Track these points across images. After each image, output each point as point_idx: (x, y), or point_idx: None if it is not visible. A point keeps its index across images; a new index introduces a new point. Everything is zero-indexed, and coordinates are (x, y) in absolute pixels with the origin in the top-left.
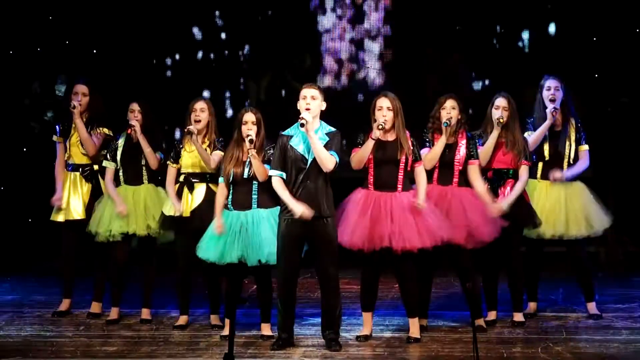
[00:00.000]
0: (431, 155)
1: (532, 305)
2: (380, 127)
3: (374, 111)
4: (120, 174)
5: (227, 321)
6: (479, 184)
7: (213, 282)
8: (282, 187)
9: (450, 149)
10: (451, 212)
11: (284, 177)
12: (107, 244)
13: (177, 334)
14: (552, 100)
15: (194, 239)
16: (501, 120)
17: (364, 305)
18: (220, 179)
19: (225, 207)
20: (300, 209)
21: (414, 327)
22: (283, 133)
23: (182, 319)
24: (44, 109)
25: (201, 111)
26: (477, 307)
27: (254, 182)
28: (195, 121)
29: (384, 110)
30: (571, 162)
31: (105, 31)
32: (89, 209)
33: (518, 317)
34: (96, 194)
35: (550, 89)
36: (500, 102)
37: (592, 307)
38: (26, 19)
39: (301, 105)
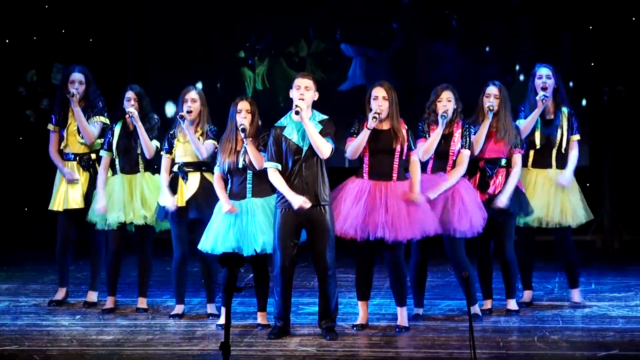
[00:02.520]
0: (427, 147)
1: (527, 294)
2: (374, 117)
3: (370, 100)
4: (116, 162)
5: (223, 310)
6: (454, 173)
7: (208, 271)
8: (278, 179)
9: (445, 139)
10: (449, 202)
11: (280, 168)
12: (103, 232)
13: (173, 323)
14: (544, 89)
15: (189, 228)
16: (491, 108)
17: (359, 294)
18: (217, 169)
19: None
20: (298, 202)
21: (403, 316)
22: (276, 124)
23: (178, 308)
24: (40, 98)
25: (193, 101)
26: (473, 296)
27: (249, 171)
28: (188, 112)
29: (380, 99)
30: (562, 150)
31: (101, 20)
32: (87, 197)
33: (511, 304)
34: (94, 182)
35: (542, 77)
36: (491, 90)
37: (576, 294)
38: (22, 8)
39: (294, 94)
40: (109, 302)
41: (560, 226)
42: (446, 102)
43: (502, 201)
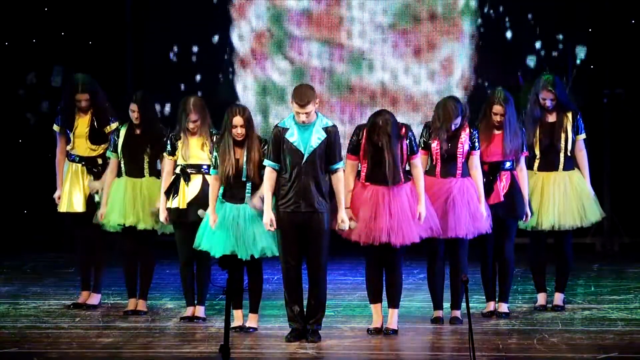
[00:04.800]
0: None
1: (542, 297)
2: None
3: (370, 133)
4: (122, 165)
5: (235, 312)
6: (477, 173)
7: (202, 272)
8: (269, 183)
9: (452, 141)
10: (455, 204)
11: (277, 168)
12: (106, 236)
13: (172, 325)
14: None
15: (192, 230)
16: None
17: (370, 297)
18: (213, 171)
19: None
20: (266, 218)
21: (393, 318)
22: (278, 124)
23: (189, 310)
24: (39, 100)
25: (194, 122)
26: (460, 298)
27: (249, 182)
28: (193, 122)
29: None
30: (569, 153)
31: (100, 22)
32: (90, 201)
33: (503, 307)
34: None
35: (546, 100)
36: (498, 109)
37: (559, 298)
38: (21, 10)
39: (298, 118)
40: (131, 304)
41: (571, 228)
42: (452, 126)
43: (528, 213)
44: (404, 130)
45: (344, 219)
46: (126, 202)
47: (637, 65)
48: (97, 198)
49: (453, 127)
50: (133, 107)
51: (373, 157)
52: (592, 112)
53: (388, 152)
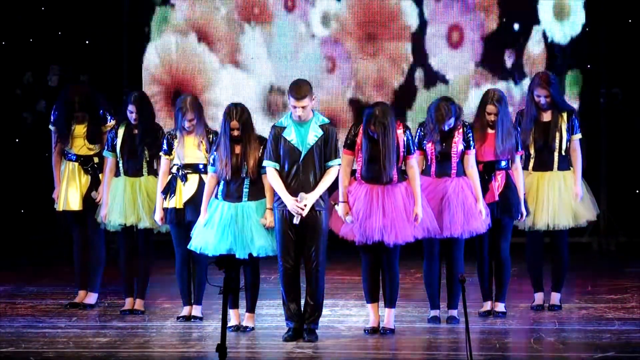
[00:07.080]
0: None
1: (538, 296)
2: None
3: (366, 128)
4: (120, 164)
5: (232, 312)
6: (474, 173)
7: (199, 272)
8: (276, 179)
9: (446, 141)
10: (450, 203)
11: (278, 168)
12: (104, 234)
13: (169, 324)
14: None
15: (189, 230)
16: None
17: (367, 297)
18: (211, 169)
19: (215, 196)
20: (290, 203)
21: (390, 317)
22: (276, 124)
23: (186, 310)
24: (36, 100)
25: (190, 121)
26: (457, 298)
27: (247, 178)
28: (189, 121)
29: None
30: (563, 153)
31: (97, 22)
32: (86, 200)
33: (499, 307)
34: (94, 185)
35: (540, 98)
36: (491, 109)
37: (555, 297)
38: (18, 10)
39: (294, 113)
40: (127, 304)
41: (564, 228)
42: (445, 127)
43: (524, 213)
44: (401, 126)
45: (305, 206)
46: (126, 202)
47: (634, 65)
48: (93, 195)
49: (446, 128)
50: (132, 108)
51: (368, 151)
52: (588, 112)
53: (383, 142)
